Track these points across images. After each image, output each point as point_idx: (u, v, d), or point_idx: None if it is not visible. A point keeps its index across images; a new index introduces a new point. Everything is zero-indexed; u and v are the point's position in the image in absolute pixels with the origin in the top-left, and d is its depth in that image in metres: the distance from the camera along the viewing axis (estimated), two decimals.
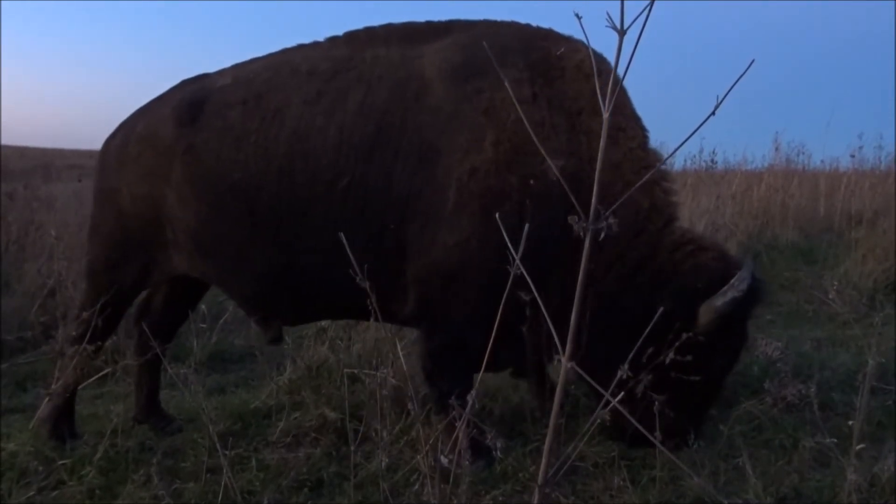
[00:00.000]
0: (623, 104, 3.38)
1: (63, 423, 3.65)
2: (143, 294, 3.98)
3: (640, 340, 1.82)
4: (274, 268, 3.40)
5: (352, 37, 3.53)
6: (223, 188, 3.34)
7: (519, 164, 3.08)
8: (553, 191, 2.96)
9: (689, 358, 2.66)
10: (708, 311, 3.01)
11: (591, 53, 2.92)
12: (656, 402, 2.57)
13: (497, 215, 1.82)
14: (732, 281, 3.00)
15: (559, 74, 3.26)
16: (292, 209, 3.27)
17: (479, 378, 2.43)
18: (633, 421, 1.59)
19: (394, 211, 3.17)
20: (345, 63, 3.38)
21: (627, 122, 3.33)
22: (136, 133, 3.63)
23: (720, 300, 2.99)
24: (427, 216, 3.15)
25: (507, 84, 1.80)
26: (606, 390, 1.51)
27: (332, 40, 3.57)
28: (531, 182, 3.02)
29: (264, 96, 3.38)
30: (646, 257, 3.21)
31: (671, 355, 2.56)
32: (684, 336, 2.61)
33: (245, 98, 3.40)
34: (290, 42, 3.67)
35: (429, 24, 3.49)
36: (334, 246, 2.96)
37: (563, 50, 3.22)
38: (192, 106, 3.47)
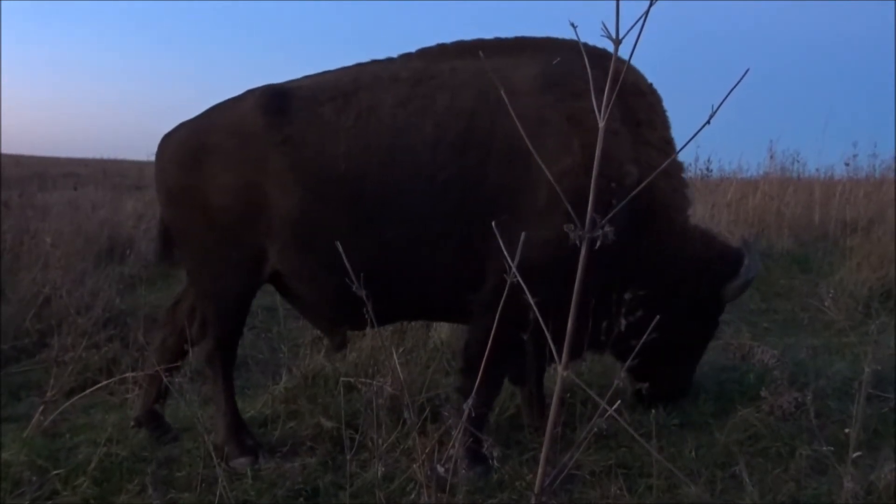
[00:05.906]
0: (667, 119, 3.70)
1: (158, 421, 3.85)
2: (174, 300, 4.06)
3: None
4: (369, 261, 3.34)
5: (425, 52, 3.69)
6: (326, 177, 3.42)
7: (603, 167, 3.18)
8: (628, 194, 3.08)
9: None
10: (734, 290, 3.63)
11: (615, 68, 3.07)
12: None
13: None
14: (747, 264, 3.58)
15: (621, 89, 3.39)
16: (396, 200, 3.39)
17: (479, 379, 2.42)
18: (631, 428, 1.60)
19: (488, 205, 3.31)
20: (424, 73, 3.53)
21: (671, 136, 3.67)
22: (216, 126, 3.62)
23: (742, 280, 3.59)
24: (517, 212, 3.30)
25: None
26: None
27: (405, 56, 3.71)
28: (612, 185, 3.13)
29: (352, 96, 3.49)
30: (693, 249, 3.69)
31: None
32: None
33: (334, 96, 3.50)
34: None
35: (497, 40, 3.66)
36: (431, 239, 3.37)
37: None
38: (277, 97, 3.54)
